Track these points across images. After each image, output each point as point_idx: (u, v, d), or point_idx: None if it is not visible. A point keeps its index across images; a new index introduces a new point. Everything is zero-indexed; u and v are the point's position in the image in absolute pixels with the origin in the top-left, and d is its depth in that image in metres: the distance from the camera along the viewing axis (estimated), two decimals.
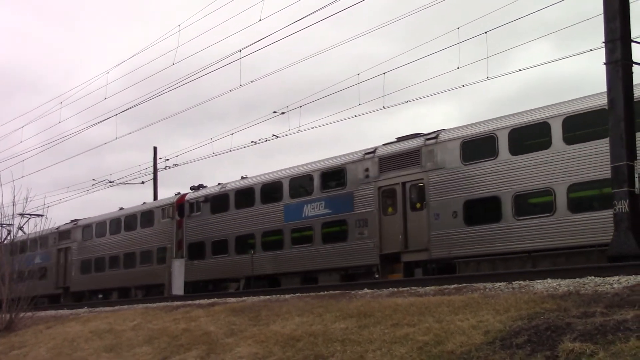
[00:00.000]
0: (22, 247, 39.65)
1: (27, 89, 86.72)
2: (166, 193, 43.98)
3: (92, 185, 40.01)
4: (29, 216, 42.24)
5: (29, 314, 23.63)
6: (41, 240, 39.38)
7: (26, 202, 26.95)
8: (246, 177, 27.91)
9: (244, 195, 27.13)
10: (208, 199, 28.54)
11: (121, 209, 35.31)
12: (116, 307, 22.96)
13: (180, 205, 30.17)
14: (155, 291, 30.59)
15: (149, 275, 31.22)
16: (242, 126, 54.40)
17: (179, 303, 19.77)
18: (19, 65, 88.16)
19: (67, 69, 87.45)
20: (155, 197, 39.26)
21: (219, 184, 28.89)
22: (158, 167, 40.42)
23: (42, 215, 42.71)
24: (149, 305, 21.24)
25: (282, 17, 22.79)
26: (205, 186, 30.01)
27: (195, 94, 64.14)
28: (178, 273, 26.77)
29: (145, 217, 32.38)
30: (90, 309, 25.04)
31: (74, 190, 79.41)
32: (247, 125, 44.99)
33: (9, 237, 40.25)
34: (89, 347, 16.49)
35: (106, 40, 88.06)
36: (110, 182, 39.49)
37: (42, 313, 25.20)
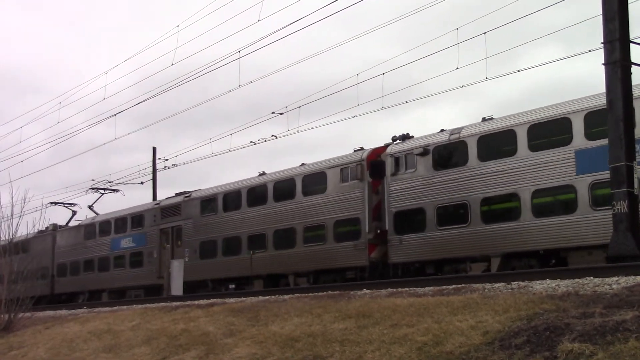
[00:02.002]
0: (102, 229, 35.54)
1: (38, 90, 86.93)
2: (165, 194, 43.62)
3: (92, 186, 39.76)
4: (102, 191, 38.89)
5: (28, 314, 23.64)
6: (133, 219, 33.48)
7: (24, 202, 26.52)
8: (490, 118, 21.10)
9: (495, 142, 20.30)
10: (428, 150, 21.68)
11: (262, 173, 28.03)
12: (115, 308, 22.97)
13: (375, 162, 23.31)
14: (334, 277, 23.55)
15: (320, 258, 24.27)
16: (241, 127, 54.29)
17: (178, 303, 19.77)
18: (28, 66, 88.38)
19: (74, 70, 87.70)
20: (154, 198, 39.02)
21: (442, 130, 22.03)
22: (157, 168, 40.39)
23: (118, 190, 39.25)
24: (147, 305, 21.27)
25: (281, 18, 22.84)
26: (412, 136, 23.13)
27: (196, 94, 64.27)
28: (177, 273, 26.57)
29: (311, 181, 25.22)
30: (89, 309, 25.06)
31: (73, 190, 79.58)
32: (247, 125, 44.83)
33: (73, 219, 38.49)
34: (88, 348, 16.49)
35: (110, 40, 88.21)
36: (110, 182, 39.33)
37: (41, 313, 25.21)
